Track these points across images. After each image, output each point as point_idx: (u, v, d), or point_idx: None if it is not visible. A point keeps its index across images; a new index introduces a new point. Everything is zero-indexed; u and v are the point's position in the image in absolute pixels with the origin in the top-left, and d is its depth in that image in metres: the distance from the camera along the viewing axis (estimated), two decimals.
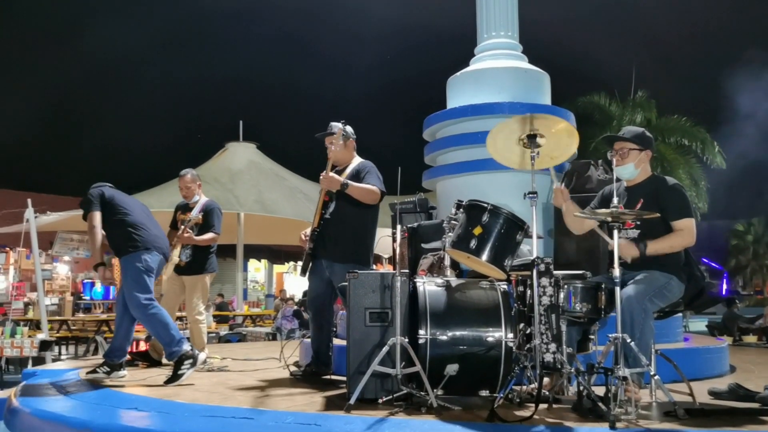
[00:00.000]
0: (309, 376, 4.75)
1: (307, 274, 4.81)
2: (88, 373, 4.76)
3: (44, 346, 8.10)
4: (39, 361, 7.90)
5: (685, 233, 3.68)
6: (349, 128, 4.85)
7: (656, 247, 3.65)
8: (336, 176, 4.58)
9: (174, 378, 4.50)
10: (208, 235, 5.69)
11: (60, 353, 10.30)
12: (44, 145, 27.45)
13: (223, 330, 11.34)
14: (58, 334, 10.54)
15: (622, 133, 3.94)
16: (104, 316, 11.35)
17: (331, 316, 4.95)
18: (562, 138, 3.80)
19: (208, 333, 8.13)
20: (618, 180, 3.79)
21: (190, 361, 4.59)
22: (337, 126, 4.72)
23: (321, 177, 4.58)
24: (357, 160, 4.86)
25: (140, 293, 4.69)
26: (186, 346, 4.64)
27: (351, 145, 4.89)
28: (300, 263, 5.10)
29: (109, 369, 4.70)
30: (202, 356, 4.90)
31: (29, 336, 8.23)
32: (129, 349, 5.03)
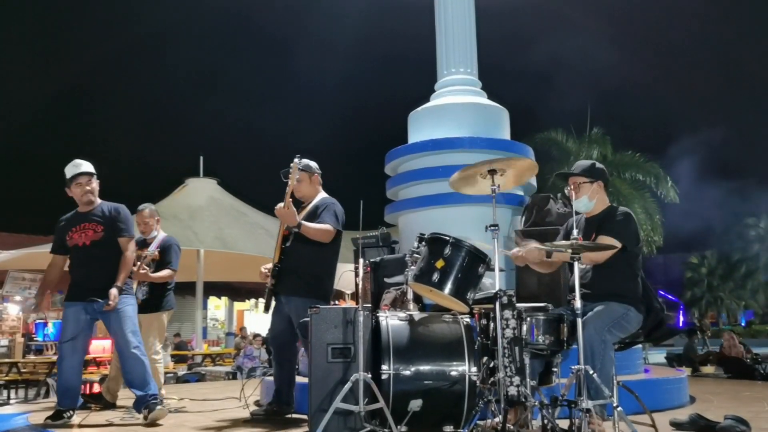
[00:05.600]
0: (270, 416, 4.64)
1: (270, 311, 4.73)
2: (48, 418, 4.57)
3: None
4: None
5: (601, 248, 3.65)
6: (313, 163, 4.82)
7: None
8: (293, 210, 4.45)
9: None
10: (165, 272, 5.56)
11: (9, 397, 9.88)
12: None
13: (182, 370, 11.04)
14: (7, 378, 10.11)
15: (573, 168, 4.07)
16: (56, 358, 10.93)
17: (292, 353, 4.84)
18: (523, 173, 3.88)
19: (166, 373, 7.91)
20: (578, 213, 3.86)
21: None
22: (294, 160, 4.68)
23: (276, 208, 4.45)
24: (320, 196, 4.81)
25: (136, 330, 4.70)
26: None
27: (316, 180, 4.85)
28: (262, 300, 5.03)
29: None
30: None
31: None
32: (82, 392, 4.87)
